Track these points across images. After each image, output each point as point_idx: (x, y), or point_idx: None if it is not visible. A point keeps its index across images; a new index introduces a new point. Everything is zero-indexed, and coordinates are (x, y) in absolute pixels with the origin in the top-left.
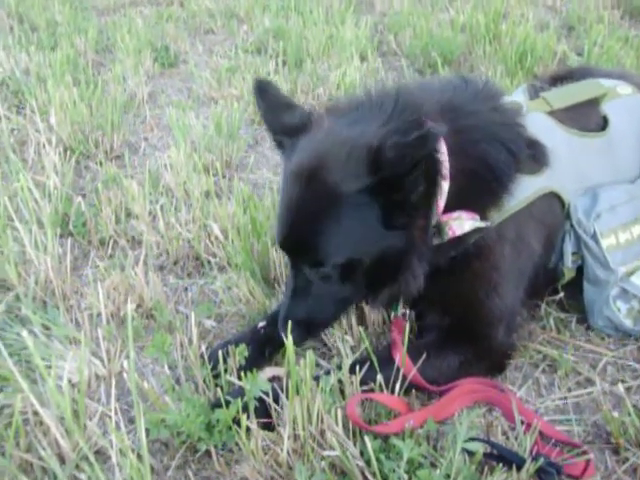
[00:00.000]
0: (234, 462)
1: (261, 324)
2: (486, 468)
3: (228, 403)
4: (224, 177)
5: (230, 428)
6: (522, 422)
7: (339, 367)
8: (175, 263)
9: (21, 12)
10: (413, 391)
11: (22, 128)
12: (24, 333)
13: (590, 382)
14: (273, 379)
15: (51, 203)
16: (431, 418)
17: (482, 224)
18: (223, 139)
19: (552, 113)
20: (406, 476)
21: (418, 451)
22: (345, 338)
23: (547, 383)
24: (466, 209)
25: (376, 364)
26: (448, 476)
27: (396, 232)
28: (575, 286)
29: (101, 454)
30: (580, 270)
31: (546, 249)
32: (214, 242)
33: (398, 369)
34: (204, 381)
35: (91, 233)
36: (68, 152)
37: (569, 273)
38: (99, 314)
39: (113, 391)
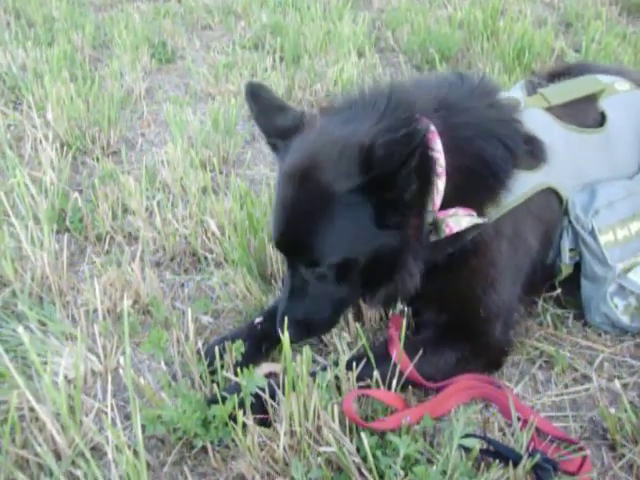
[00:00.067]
0: (230, 458)
1: (258, 320)
2: (482, 464)
3: (224, 399)
4: (221, 173)
5: (226, 424)
6: (519, 418)
7: (336, 363)
8: (172, 259)
9: (18, 8)
10: (410, 387)
11: (19, 124)
12: (20, 329)
13: (587, 378)
14: (269, 375)
15: (48, 199)
16: (428, 414)
17: (479, 221)
18: (220, 135)
19: (550, 109)
20: (402, 472)
21: (414, 447)
22: (342, 334)
23: (544, 379)
24: (463, 206)
25: (373, 360)
26: (444, 472)
27: (390, 231)
28: (572, 282)
29: (97, 450)
30: (578, 266)
31: (543, 245)
32: (211, 238)
33: (395, 365)
34: (200, 377)
35: (88, 229)
36: (65, 148)
37: (566, 269)
38: (95, 310)
39: (109, 387)
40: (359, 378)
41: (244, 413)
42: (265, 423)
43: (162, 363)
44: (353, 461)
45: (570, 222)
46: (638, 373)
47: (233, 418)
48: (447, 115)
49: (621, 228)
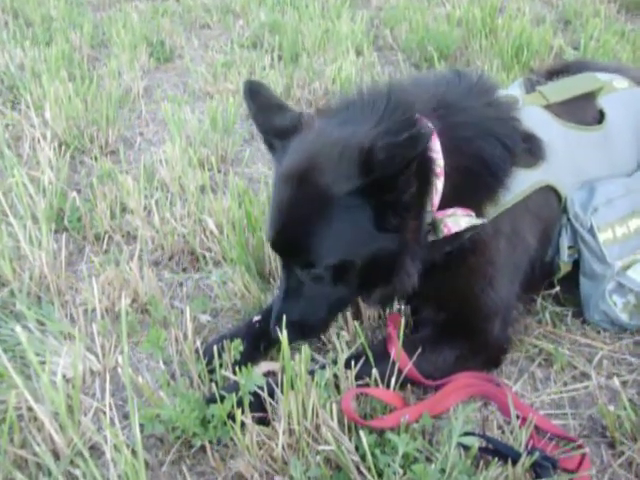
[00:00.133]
0: (229, 457)
1: (256, 318)
2: (481, 462)
3: (223, 398)
4: (219, 172)
5: (225, 423)
6: (518, 416)
7: (334, 362)
8: (170, 258)
9: (16, 7)
10: (409, 386)
11: (17, 123)
12: (17, 328)
13: (586, 376)
14: (268, 374)
15: (46, 198)
16: (426, 412)
17: (478, 221)
18: (218, 134)
19: (548, 107)
20: (401, 471)
21: (413, 446)
22: (341, 333)
23: (543, 377)
24: (462, 205)
25: (371, 359)
26: (443, 471)
27: (388, 234)
28: (571, 280)
29: (95, 450)
30: (576, 264)
31: (542, 243)
32: (209, 237)
33: (394, 363)
34: (199, 376)
35: (86, 228)
36: (63, 147)
37: (565, 267)
38: (94, 309)
39: (108, 386)
40: (358, 376)
41: (243, 412)
42: (264, 422)
43: (160, 362)
44: (352, 460)
45: (569, 220)
46: (637, 370)
47: (232, 417)
48: (445, 115)
49: (620, 226)
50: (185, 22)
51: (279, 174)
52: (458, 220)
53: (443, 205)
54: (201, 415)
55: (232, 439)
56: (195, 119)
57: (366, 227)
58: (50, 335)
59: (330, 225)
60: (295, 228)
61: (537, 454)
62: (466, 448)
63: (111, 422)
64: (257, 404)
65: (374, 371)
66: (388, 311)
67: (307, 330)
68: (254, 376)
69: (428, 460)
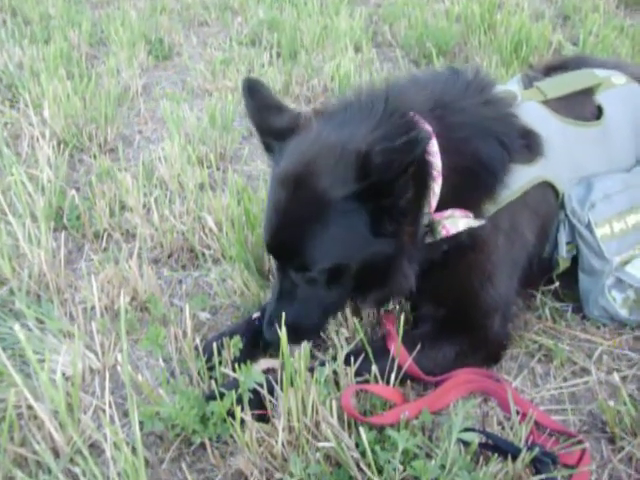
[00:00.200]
0: (229, 454)
1: (255, 315)
2: (481, 458)
3: (222, 395)
4: (218, 169)
5: (224, 420)
6: (518, 412)
7: (334, 358)
8: (169, 256)
9: (14, 5)
10: (408, 382)
11: (15, 122)
12: (16, 327)
13: (586, 371)
14: (267, 371)
15: (45, 197)
16: (426, 409)
17: (476, 223)
18: (217, 131)
19: (546, 102)
20: (401, 467)
21: (413, 442)
22: (340, 330)
23: (543, 373)
24: (460, 206)
25: (371, 355)
26: (443, 467)
27: (385, 239)
28: (570, 276)
29: (95, 448)
30: (575, 260)
31: (540, 239)
32: (208, 234)
33: (393, 360)
34: (198, 373)
35: (85, 226)
36: (62, 145)
37: (564, 263)
38: (93, 307)
39: (107, 384)
40: (357, 373)
41: (242, 409)
42: (263, 419)
43: (160, 360)
44: (352, 456)
45: (567, 215)
46: (637, 366)
47: (231, 414)
48: (443, 115)
49: (618, 221)
50: (184, 19)
51: (276, 176)
52: (456, 222)
53: (441, 206)
54: (201, 412)
55: (232, 436)
56: (194, 117)
57: (362, 232)
58: (49, 333)
59: (326, 229)
60: (290, 231)
61: (537, 450)
62: (466, 444)
63: (111, 420)
64: (257, 401)
65: (374, 367)
66: (382, 310)
67: (300, 332)
68: (253, 373)
69: (428, 456)
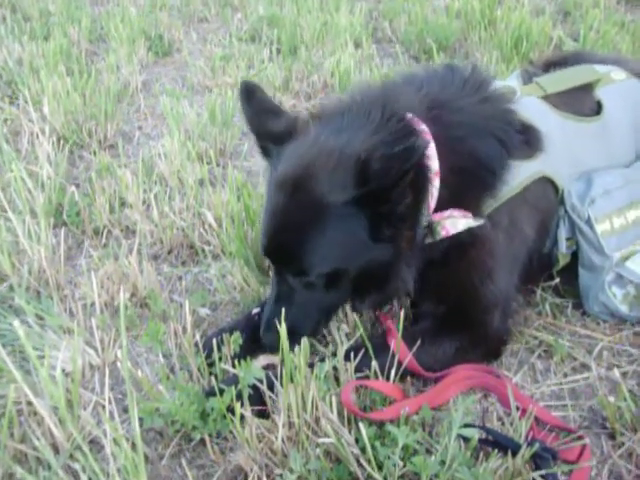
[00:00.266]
0: (229, 450)
1: (255, 311)
2: (481, 454)
3: (222, 391)
4: (218, 165)
5: (224, 416)
6: (518, 408)
7: (334, 354)
8: (169, 252)
9: (14, 2)
10: (408, 378)
11: (15, 118)
12: (16, 323)
13: (586, 367)
14: (267, 367)
15: (44, 193)
16: (426, 405)
17: (476, 223)
18: (217, 127)
19: (546, 98)
20: (401, 463)
21: (413, 438)
22: (340, 325)
23: (543, 369)
24: (460, 206)
25: (371, 351)
26: (443, 462)
27: (383, 244)
28: (570, 272)
29: (95, 444)
30: (575, 255)
31: (540, 234)
32: (208, 230)
33: (393, 356)
34: (198, 369)
35: (85, 223)
36: (61, 142)
37: (564, 259)
38: (93, 304)
39: (107, 380)
40: (357, 369)
41: (242, 405)
42: (263, 415)
43: (160, 356)
44: (352, 452)
45: (566, 211)
46: (637, 362)
47: (231, 410)
48: (440, 115)
49: (618, 217)
50: (183, 16)
51: (273, 180)
52: (456, 222)
53: (440, 206)
54: (200, 408)
55: (232, 432)
56: (194, 113)
57: (360, 237)
58: (49, 329)
59: (324, 234)
60: (288, 236)
61: (537, 445)
62: (466, 440)
63: (110, 416)
64: (256, 397)
65: (374, 363)
66: (378, 311)
67: (298, 337)
68: (253, 369)
69: (428, 452)
